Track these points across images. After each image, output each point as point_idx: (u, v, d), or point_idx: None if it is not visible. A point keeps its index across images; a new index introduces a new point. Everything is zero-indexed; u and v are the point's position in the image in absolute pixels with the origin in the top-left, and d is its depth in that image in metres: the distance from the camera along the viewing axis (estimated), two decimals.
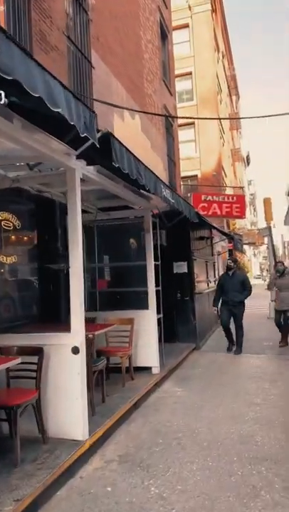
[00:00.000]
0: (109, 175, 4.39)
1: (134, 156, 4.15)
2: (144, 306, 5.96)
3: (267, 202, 15.42)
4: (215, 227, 10.50)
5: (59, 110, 2.71)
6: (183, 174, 19.49)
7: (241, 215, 17.31)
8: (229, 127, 34.36)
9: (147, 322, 5.91)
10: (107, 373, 5.54)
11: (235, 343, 7.64)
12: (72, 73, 6.86)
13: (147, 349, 5.88)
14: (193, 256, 8.64)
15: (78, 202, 3.62)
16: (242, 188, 29.86)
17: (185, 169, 21.22)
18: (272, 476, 3.13)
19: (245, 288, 7.56)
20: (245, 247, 32.26)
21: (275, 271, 8.30)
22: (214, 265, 12.02)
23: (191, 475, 3.20)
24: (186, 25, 26.77)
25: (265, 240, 25.37)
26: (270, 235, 15.42)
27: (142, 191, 5.41)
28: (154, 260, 6.04)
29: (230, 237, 13.45)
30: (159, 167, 11.69)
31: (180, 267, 8.51)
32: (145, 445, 3.76)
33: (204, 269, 10.33)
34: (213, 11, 27.84)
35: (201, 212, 12.42)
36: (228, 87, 36.55)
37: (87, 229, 6.75)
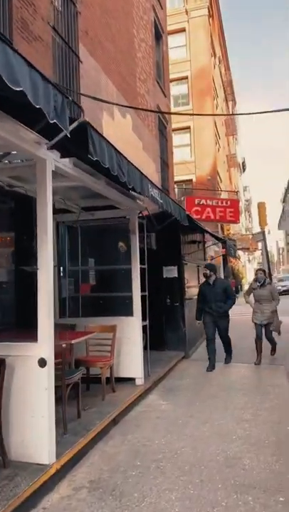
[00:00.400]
0: (89, 169, 4.04)
1: (117, 150, 3.81)
2: (129, 312, 5.60)
3: (261, 206, 15.20)
4: (206, 231, 10.18)
5: (20, 89, 2.38)
6: (178, 178, 19.24)
7: (235, 220, 17.07)
8: (225, 133, 34.22)
9: (131, 329, 5.55)
10: (87, 384, 5.18)
11: (225, 352, 7.25)
12: (58, 66, 6.52)
13: (131, 359, 5.51)
14: (183, 260, 8.30)
15: (49, 196, 3.26)
16: (236, 192, 29.63)
17: (180, 173, 20.96)
18: (259, 508, 2.77)
19: (229, 297, 7.00)
20: (240, 252, 32.02)
21: (254, 280, 7.51)
22: None
23: (169, 506, 2.83)
24: (183, 30, 26.69)
25: (259, 245, 25.18)
26: (264, 240, 15.17)
27: (130, 191, 5.08)
28: (141, 264, 5.69)
29: (222, 242, 13.15)
30: (150, 168, 11.37)
31: (170, 272, 8.18)
32: (121, 468, 3.39)
33: (195, 273, 9.99)
34: (210, 16, 27.77)
35: (195, 217, 12.12)
36: (225, 93, 36.50)
37: (69, 229, 6.39)
